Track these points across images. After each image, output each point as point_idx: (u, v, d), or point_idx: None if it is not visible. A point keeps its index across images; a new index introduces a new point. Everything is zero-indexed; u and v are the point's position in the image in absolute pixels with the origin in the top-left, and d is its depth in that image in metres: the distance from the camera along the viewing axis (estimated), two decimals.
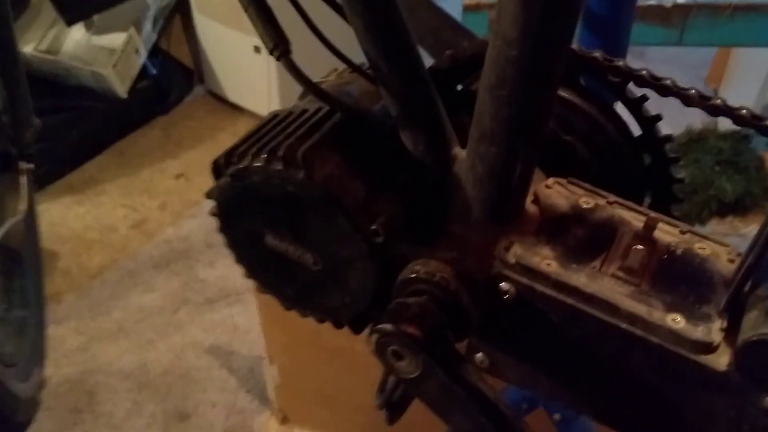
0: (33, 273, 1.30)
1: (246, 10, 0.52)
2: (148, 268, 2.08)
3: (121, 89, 2.28)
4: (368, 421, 1.63)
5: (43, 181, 2.14)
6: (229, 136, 2.50)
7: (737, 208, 1.40)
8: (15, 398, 1.12)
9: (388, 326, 0.50)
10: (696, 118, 1.12)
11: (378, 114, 0.57)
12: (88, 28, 2.23)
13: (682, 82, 0.57)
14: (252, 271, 0.62)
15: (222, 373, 1.83)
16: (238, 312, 1.94)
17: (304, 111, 0.58)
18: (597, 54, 0.57)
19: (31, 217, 1.21)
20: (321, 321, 0.62)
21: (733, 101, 0.56)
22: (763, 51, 2.18)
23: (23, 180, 1.06)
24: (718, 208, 1.39)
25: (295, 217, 0.55)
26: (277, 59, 0.52)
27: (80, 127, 2.21)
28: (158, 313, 1.96)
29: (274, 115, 0.59)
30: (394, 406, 0.63)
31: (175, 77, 2.51)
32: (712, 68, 2.75)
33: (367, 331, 0.55)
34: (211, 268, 2.06)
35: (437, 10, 0.68)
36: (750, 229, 1.36)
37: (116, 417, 1.72)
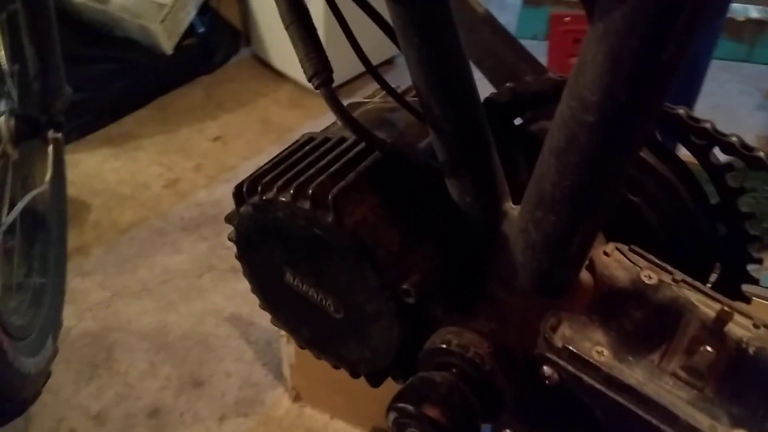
0: (56, 241, 1.26)
1: (287, 29, 0.45)
2: (177, 230, 2.05)
3: (167, 45, 2.23)
4: (382, 411, 1.59)
5: (82, 130, 2.12)
6: (269, 102, 2.44)
7: None
8: (20, 376, 1.07)
9: (409, 407, 0.44)
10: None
11: (422, 154, 0.50)
12: None
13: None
14: (268, 304, 0.57)
15: (240, 343, 1.79)
16: None
17: (342, 140, 0.51)
18: (681, 111, 0.49)
19: (58, 185, 1.17)
20: (336, 367, 0.56)
21: None
22: None
23: (50, 149, 1.01)
24: None
25: (319, 260, 0.50)
26: (316, 88, 0.46)
27: (123, 80, 2.17)
28: (183, 276, 1.93)
29: (308, 140, 0.53)
30: None
31: (222, 37, 2.45)
32: None
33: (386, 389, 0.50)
34: None
35: (500, 31, 0.60)
36: None
37: (131, 376, 1.70)
